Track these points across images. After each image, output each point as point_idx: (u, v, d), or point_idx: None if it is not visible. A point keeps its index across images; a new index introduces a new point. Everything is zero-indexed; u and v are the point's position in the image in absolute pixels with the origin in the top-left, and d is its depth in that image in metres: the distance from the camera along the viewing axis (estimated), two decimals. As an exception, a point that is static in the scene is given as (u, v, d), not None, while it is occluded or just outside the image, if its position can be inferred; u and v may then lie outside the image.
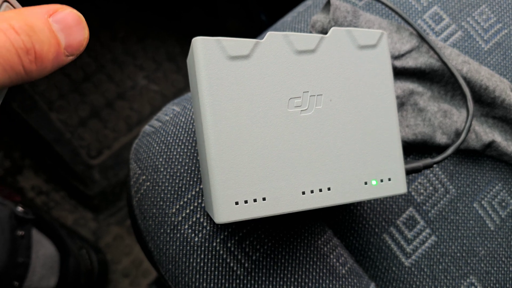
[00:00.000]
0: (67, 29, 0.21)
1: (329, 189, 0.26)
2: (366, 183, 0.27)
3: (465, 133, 0.33)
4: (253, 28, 0.84)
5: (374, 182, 0.27)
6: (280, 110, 0.26)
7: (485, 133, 0.38)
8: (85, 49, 0.22)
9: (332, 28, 0.27)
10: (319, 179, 0.26)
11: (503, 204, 0.39)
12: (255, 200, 0.25)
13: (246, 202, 0.25)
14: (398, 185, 0.28)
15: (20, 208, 0.64)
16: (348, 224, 0.37)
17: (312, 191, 0.26)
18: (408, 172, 0.31)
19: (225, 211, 0.25)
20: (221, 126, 0.25)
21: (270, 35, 0.26)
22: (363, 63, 0.28)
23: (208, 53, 0.25)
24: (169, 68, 0.94)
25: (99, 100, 0.89)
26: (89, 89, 0.89)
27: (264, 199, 0.25)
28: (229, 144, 0.25)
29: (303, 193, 0.26)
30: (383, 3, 0.39)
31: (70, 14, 0.21)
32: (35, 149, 0.86)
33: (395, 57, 0.38)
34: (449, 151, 0.32)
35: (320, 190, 0.26)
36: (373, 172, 0.27)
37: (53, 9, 0.20)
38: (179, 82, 0.94)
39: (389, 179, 0.28)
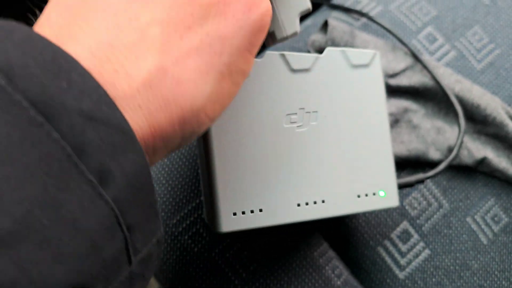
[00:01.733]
0: None
1: (323, 201, 0.27)
2: (359, 196, 0.28)
3: (457, 149, 0.34)
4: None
5: (367, 195, 0.28)
6: (276, 125, 0.27)
7: (477, 149, 0.39)
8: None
9: (327, 48, 0.29)
10: (313, 192, 0.27)
11: (496, 219, 0.40)
12: (252, 211, 0.26)
13: (243, 213, 0.26)
14: (390, 199, 0.29)
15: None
16: (344, 237, 0.39)
17: (307, 203, 0.27)
18: (401, 187, 0.32)
19: (224, 221, 0.26)
20: (222, 141, 0.26)
21: (268, 55, 0.27)
22: (356, 81, 0.29)
23: None
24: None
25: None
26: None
27: (261, 210, 0.26)
28: (229, 158, 0.26)
29: (298, 205, 0.27)
30: (378, 24, 0.41)
31: None
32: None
33: (390, 76, 0.40)
34: (441, 166, 0.33)
35: (315, 203, 0.27)
36: (366, 186, 0.28)
37: None
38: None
39: (382, 193, 0.29)
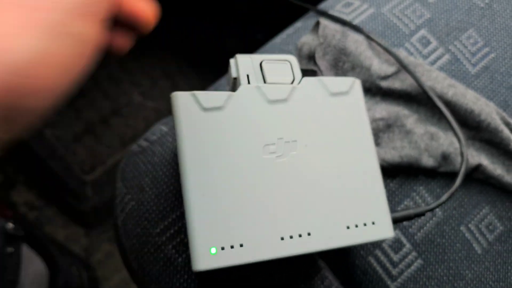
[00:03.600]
0: None
1: (309, 234, 0.26)
2: (348, 228, 0.26)
3: (461, 179, 0.32)
4: (249, 46, 0.85)
5: (357, 226, 0.27)
6: (255, 157, 0.26)
7: (472, 156, 0.38)
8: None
9: (303, 78, 0.28)
10: (298, 224, 0.26)
11: (490, 227, 0.39)
12: (232, 247, 0.25)
13: (223, 248, 0.24)
14: (383, 229, 0.27)
15: (10, 225, 0.63)
16: (334, 246, 0.37)
17: (291, 237, 0.25)
18: (399, 220, 0.30)
19: (201, 258, 0.24)
20: (199, 175, 0.25)
21: (243, 88, 0.27)
22: (336, 109, 0.28)
23: (185, 106, 0.26)
24: (165, 85, 0.94)
25: (94, 116, 0.89)
26: (84, 105, 0.90)
27: (241, 245, 0.25)
28: (206, 192, 0.25)
29: (282, 238, 0.25)
30: (363, 33, 0.40)
31: None
32: (28, 164, 0.85)
33: (382, 78, 0.39)
34: (444, 197, 0.31)
35: (300, 236, 0.26)
36: (355, 216, 0.27)
37: None
38: (175, 99, 0.94)
39: (373, 223, 0.27)
